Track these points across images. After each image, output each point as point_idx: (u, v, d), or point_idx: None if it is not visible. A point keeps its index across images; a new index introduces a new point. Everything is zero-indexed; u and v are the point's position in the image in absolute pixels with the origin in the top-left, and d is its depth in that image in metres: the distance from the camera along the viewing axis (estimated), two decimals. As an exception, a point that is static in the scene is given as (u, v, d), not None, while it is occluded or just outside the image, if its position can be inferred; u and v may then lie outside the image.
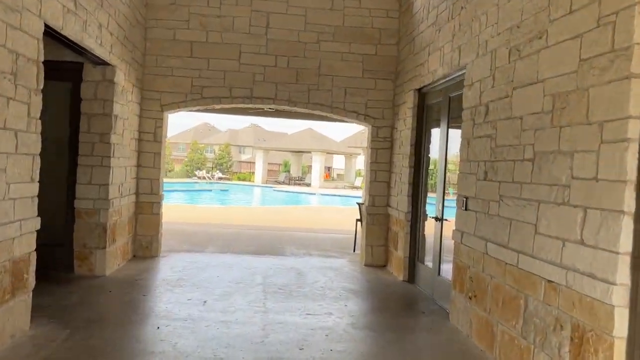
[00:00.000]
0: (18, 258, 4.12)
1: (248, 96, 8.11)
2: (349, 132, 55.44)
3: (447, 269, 5.88)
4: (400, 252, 7.39)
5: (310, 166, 43.60)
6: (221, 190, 36.78)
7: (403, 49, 7.94)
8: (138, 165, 7.89)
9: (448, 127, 6.24)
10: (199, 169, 50.05)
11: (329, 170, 52.82)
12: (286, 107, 8.35)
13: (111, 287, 6.07)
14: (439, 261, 6.29)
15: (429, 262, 6.73)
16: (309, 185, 40.38)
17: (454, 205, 5.54)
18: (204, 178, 45.62)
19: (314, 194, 33.83)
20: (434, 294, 6.31)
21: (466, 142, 5.23)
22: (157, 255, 8.02)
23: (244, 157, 62.14)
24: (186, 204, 23.95)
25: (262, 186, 40.55)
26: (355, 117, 8.33)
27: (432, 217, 6.44)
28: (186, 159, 54.14)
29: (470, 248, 4.96)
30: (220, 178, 47.00)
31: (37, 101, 4.28)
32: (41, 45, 4.26)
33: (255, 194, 36.75)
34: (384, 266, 8.18)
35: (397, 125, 7.97)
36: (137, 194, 7.89)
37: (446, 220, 6.16)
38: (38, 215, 4.45)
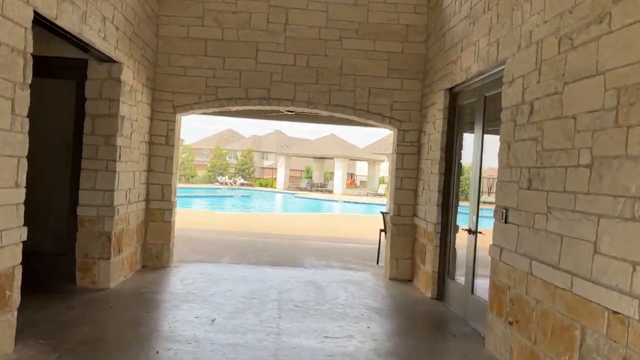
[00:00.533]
0: (-1, 273, 3.66)
1: (265, 97, 7.61)
2: (372, 138, 54.87)
3: (482, 286, 5.28)
4: (428, 267, 6.78)
5: (333, 173, 43.01)
6: (243, 196, 36.47)
7: (432, 46, 7.35)
8: (149, 170, 7.46)
9: (483, 130, 5.63)
10: (222, 174, 49.91)
11: (352, 176, 52.11)
12: (305, 109, 7.82)
13: (114, 302, 5.60)
14: (472, 278, 5.67)
15: (460, 278, 6.12)
16: (331, 192, 39.81)
17: (490, 215, 4.94)
18: (226, 184, 45.44)
19: (336, 201, 33.20)
20: (466, 315, 5.70)
21: (506, 146, 4.63)
22: (167, 265, 7.56)
23: (266, 163, 61.93)
24: (207, 209, 23.61)
25: (284, 192, 40.13)
26: (379, 119, 7.75)
27: (465, 229, 5.83)
28: (209, 165, 54.10)
29: (511, 266, 4.36)
30: (242, 184, 46.80)
31: (24, 97, 3.81)
32: (29, 35, 3.81)
33: (277, 200, 36.32)
34: (409, 281, 7.57)
35: (426, 129, 7.37)
36: (147, 200, 7.44)
37: (480, 232, 5.56)
38: (25, 225, 3.96)
